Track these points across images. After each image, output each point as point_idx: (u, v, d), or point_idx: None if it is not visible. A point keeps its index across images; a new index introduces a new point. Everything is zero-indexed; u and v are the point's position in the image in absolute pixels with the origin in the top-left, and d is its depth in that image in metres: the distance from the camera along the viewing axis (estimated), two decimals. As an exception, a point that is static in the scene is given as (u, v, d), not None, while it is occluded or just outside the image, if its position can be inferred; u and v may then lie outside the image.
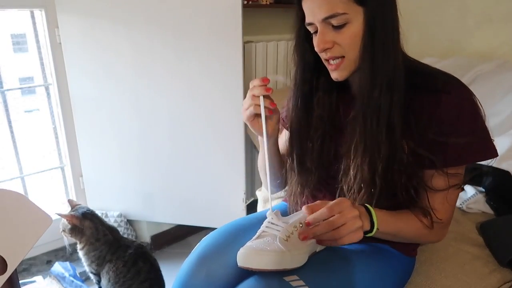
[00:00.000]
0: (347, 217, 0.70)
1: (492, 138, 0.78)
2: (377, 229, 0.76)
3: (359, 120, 0.77)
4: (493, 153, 0.77)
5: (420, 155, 0.76)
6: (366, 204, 0.78)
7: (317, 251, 0.81)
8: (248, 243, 0.75)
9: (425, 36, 2.08)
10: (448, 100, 0.74)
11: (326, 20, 0.73)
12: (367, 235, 0.77)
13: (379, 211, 0.78)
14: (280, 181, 0.99)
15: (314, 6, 0.73)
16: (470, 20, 1.95)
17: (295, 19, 0.81)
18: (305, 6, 0.76)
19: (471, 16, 1.94)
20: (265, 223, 0.80)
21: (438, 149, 0.75)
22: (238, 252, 0.74)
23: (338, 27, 0.73)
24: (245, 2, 1.92)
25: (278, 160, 0.96)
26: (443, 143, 0.75)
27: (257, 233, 0.78)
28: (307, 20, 0.76)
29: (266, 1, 2.00)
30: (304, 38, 0.82)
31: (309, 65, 0.83)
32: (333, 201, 0.72)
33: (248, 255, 0.72)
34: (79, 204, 1.45)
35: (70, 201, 1.46)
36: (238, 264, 0.74)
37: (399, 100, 0.74)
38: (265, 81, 0.79)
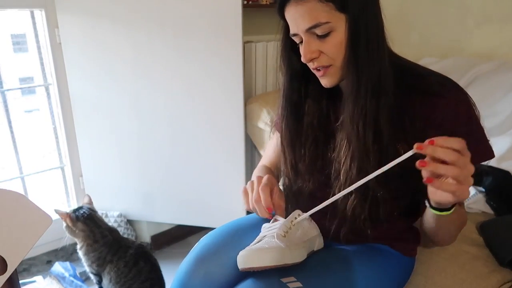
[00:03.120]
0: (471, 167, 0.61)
1: (488, 138, 0.77)
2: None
3: (346, 125, 0.77)
4: (490, 154, 0.77)
5: (417, 159, 0.76)
6: None
7: (314, 250, 0.81)
8: (247, 247, 0.76)
9: (425, 36, 2.09)
10: (444, 103, 0.74)
11: (310, 30, 0.72)
12: (442, 213, 0.70)
13: None
14: None
15: (297, 16, 0.73)
16: (470, 20, 1.94)
17: (279, 30, 0.81)
18: (288, 17, 0.76)
19: (471, 16, 1.94)
20: (263, 229, 0.80)
21: None
22: (238, 256, 0.74)
23: (322, 36, 0.73)
24: (245, 2, 1.92)
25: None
26: None
27: (256, 239, 0.79)
28: (292, 31, 0.76)
29: (266, 1, 2.00)
30: (289, 47, 0.82)
31: (297, 74, 0.84)
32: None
33: (247, 256, 0.72)
34: (88, 204, 1.46)
35: (84, 197, 1.49)
36: (239, 267, 0.74)
37: (387, 103, 0.74)
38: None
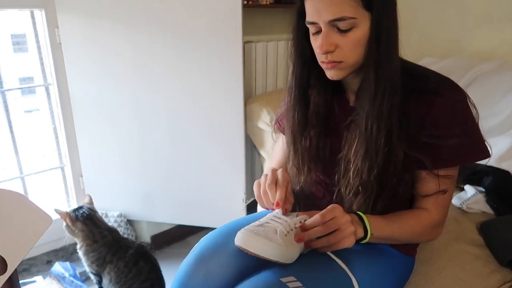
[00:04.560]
0: (341, 221, 0.73)
1: (484, 138, 0.78)
2: (371, 234, 0.77)
3: (361, 124, 0.76)
4: (485, 154, 0.78)
5: (411, 157, 0.76)
6: (357, 212, 0.79)
7: (304, 253, 0.81)
8: (249, 227, 0.76)
9: (425, 36, 2.08)
10: (440, 103, 0.74)
11: (333, 22, 0.71)
12: (362, 242, 0.78)
13: (371, 217, 0.79)
14: None
15: (321, 6, 0.71)
16: (470, 20, 1.94)
17: (295, 14, 0.79)
18: (310, 4, 0.73)
19: (471, 16, 1.94)
20: (270, 215, 0.80)
21: (430, 150, 0.76)
22: (239, 232, 0.74)
23: (344, 31, 0.72)
24: (245, 2, 1.92)
25: None
26: (434, 145, 0.75)
27: (260, 221, 0.79)
28: (311, 18, 0.74)
29: (266, 1, 2.00)
30: (302, 33, 0.80)
31: (308, 62, 0.82)
32: (326, 208, 0.75)
33: (248, 238, 0.73)
34: (89, 204, 1.46)
35: (85, 197, 1.48)
36: (236, 243, 0.74)
37: (397, 104, 0.74)
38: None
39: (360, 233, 0.76)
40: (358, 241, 0.77)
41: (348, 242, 0.73)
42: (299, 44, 0.81)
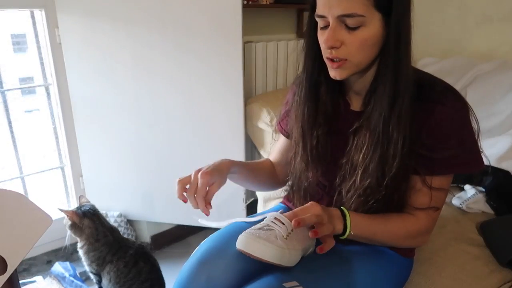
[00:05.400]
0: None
1: (480, 150, 0.78)
2: (350, 232, 0.77)
3: (376, 128, 0.76)
4: (480, 165, 0.78)
5: (408, 163, 0.76)
6: (341, 207, 0.79)
7: (305, 255, 0.81)
8: (250, 230, 0.76)
9: (425, 36, 2.08)
10: (440, 111, 0.74)
11: (342, 17, 0.70)
12: (340, 238, 0.78)
13: (354, 214, 0.79)
14: (268, 185, 1.03)
15: (332, 0, 0.70)
16: (470, 20, 1.95)
17: (309, 8, 0.79)
18: None
19: (471, 16, 1.94)
20: (269, 218, 0.80)
21: (426, 157, 0.76)
22: (241, 236, 0.74)
23: (351, 28, 0.71)
24: (245, 2, 1.91)
25: (252, 181, 1.01)
26: (431, 152, 0.76)
27: (261, 224, 0.79)
28: (320, 12, 0.73)
29: (266, 1, 2.00)
30: (314, 29, 0.79)
31: (318, 58, 0.81)
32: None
33: (250, 241, 0.73)
34: (88, 202, 1.46)
35: (80, 197, 1.47)
36: (237, 247, 0.74)
37: (410, 109, 0.74)
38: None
39: (339, 229, 0.76)
40: (336, 236, 0.77)
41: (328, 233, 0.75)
42: (310, 38, 0.81)
